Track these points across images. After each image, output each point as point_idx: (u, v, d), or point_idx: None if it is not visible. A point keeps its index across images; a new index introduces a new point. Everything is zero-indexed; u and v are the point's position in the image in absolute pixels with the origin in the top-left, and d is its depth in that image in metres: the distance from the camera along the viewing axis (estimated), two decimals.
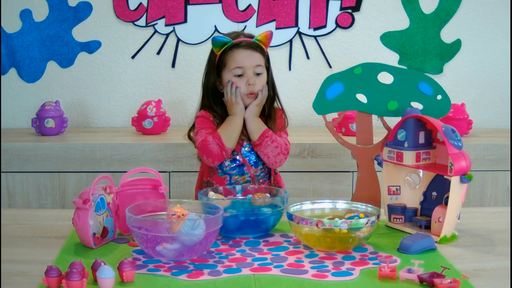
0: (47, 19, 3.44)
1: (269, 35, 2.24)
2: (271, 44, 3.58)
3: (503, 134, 3.40)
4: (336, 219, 1.80)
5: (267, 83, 2.26)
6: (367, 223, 1.76)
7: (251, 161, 2.27)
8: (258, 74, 2.22)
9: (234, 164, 2.26)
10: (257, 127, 2.23)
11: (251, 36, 2.26)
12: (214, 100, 2.27)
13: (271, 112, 2.30)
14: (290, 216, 1.81)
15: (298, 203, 1.93)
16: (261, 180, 2.28)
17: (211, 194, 1.99)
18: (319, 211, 1.95)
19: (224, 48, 2.21)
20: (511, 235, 1.93)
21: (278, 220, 1.97)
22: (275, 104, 2.32)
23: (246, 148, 2.27)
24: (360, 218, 1.81)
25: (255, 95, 2.23)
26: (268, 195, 2.03)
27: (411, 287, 1.55)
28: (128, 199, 1.93)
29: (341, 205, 1.96)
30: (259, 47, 2.23)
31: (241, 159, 2.26)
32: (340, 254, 1.76)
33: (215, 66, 2.25)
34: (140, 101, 3.41)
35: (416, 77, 2.13)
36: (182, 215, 1.71)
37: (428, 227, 1.95)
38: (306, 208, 1.94)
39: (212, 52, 2.27)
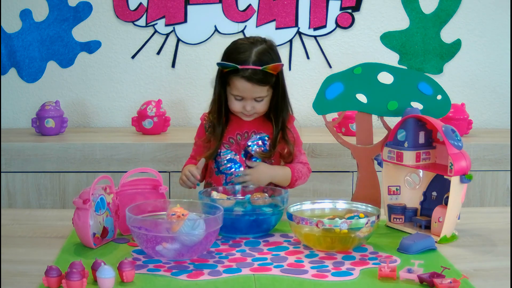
0: (47, 19, 3.44)
1: (279, 67, 2.17)
2: None
3: (503, 134, 3.40)
4: (337, 219, 1.80)
5: (277, 95, 2.21)
6: (367, 223, 1.76)
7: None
8: (258, 101, 2.19)
9: (231, 164, 2.25)
10: (283, 179, 2.23)
11: (267, 51, 2.17)
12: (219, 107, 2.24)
13: (285, 119, 2.25)
14: (290, 216, 1.81)
15: (298, 203, 1.93)
16: None
17: (214, 194, 1.98)
18: (319, 211, 1.95)
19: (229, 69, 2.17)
20: (511, 235, 1.93)
21: (279, 220, 1.97)
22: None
23: (248, 148, 2.24)
24: (360, 218, 1.81)
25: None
26: (266, 194, 2.03)
27: (411, 287, 1.55)
28: (128, 199, 1.93)
29: (341, 205, 1.96)
30: (263, 79, 2.15)
31: (238, 159, 2.24)
32: (340, 254, 1.76)
33: (222, 75, 2.20)
34: (140, 101, 3.41)
35: (416, 77, 2.13)
36: (182, 215, 1.71)
37: (428, 227, 1.95)
38: (306, 208, 1.94)
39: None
